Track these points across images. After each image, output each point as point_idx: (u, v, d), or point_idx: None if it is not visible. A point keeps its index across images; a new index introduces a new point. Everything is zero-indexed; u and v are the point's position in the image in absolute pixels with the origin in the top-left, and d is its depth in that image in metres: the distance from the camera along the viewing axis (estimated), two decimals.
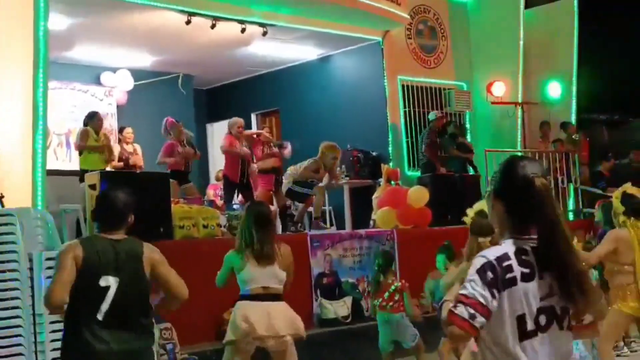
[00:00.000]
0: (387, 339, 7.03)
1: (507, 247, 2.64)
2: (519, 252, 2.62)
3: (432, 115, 13.15)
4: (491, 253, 2.63)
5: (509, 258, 2.60)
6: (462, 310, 2.55)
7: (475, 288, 2.56)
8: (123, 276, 4.12)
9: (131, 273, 4.16)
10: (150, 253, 4.27)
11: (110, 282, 4.08)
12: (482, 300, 2.54)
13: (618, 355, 7.92)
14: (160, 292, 4.40)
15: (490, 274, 2.57)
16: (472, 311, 2.53)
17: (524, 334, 2.59)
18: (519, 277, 2.59)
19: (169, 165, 10.88)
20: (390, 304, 7.03)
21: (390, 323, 7.06)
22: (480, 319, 2.54)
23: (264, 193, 11.29)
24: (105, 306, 4.05)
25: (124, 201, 4.29)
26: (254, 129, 15.20)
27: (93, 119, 10.51)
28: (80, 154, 10.50)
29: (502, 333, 2.60)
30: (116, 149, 11.47)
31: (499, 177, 2.75)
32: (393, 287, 7.09)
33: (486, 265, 2.59)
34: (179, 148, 11.04)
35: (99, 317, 4.05)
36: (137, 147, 11.81)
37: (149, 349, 4.31)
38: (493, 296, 2.56)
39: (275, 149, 11.71)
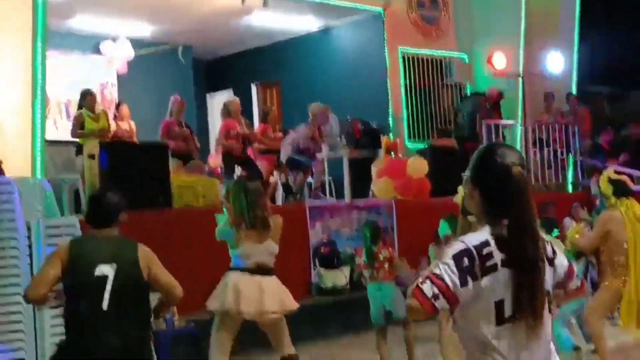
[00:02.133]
0: (379, 309, 7.03)
1: (487, 233, 2.61)
2: (499, 238, 2.59)
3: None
4: (470, 240, 2.60)
5: (488, 244, 2.58)
6: (427, 288, 2.51)
7: (447, 271, 2.52)
8: (119, 265, 4.13)
9: (126, 262, 4.17)
10: (144, 252, 4.28)
11: (106, 271, 4.09)
12: (450, 284, 2.51)
13: (613, 326, 7.96)
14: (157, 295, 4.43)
15: (466, 261, 2.54)
16: (436, 291, 2.50)
17: (501, 320, 2.58)
18: (499, 263, 2.57)
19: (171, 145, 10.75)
20: (381, 272, 7.05)
21: (381, 291, 7.05)
22: (442, 302, 2.51)
23: (266, 168, 11.31)
24: (107, 295, 4.07)
25: (115, 201, 4.33)
26: (255, 100, 15.22)
27: (85, 98, 10.44)
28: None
29: (479, 319, 2.59)
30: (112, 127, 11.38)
31: (477, 164, 2.71)
32: (382, 256, 7.10)
33: (464, 251, 2.56)
34: (175, 128, 10.93)
35: (104, 306, 4.06)
36: (133, 124, 11.74)
37: (147, 339, 4.33)
38: (464, 284, 2.52)
39: (280, 133, 11.74)
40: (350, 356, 7.71)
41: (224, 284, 5.70)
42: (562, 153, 13.52)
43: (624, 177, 6.78)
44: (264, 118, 12.05)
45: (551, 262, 2.71)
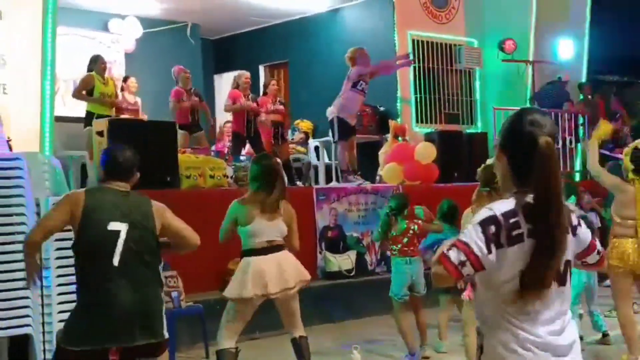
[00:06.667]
0: (405, 285, 6.95)
1: (514, 202, 2.59)
2: (526, 207, 2.57)
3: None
4: (498, 207, 2.59)
5: (516, 214, 2.56)
6: (454, 255, 2.51)
7: (474, 238, 2.53)
8: (132, 222, 4.15)
9: (140, 220, 4.20)
10: (158, 207, 4.32)
11: (119, 227, 4.11)
12: (477, 251, 2.51)
13: (607, 317, 7.90)
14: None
15: (492, 228, 2.53)
16: (463, 258, 2.51)
17: (522, 289, 2.56)
18: (526, 234, 2.56)
19: (177, 118, 10.82)
20: (412, 248, 6.95)
21: (411, 265, 6.93)
22: (469, 269, 2.52)
23: (266, 145, 11.28)
24: (118, 251, 4.08)
25: (131, 155, 4.37)
26: (262, 81, 15.15)
27: (96, 63, 10.41)
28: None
29: (501, 287, 2.59)
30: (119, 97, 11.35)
31: (506, 129, 2.70)
32: (412, 231, 6.98)
33: (491, 218, 2.55)
34: (184, 96, 11.00)
35: (115, 262, 4.08)
36: (139, 100, 11.71)
37: (159, 302, 4.32)
38: (489, 251, 2.52)
39: (281, 106, 11.65)
40: (355, 339, 7.71)
41: (243, 271, 5.65)
42: (570, 142, 13.47)
43: None
44: (263, 91, 11.91)
45: (574, 230, 2.69)
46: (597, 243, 2.81)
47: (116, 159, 4.33)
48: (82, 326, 4.13)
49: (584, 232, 2.75)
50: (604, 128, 6.83)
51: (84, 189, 4.45)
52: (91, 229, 4.11)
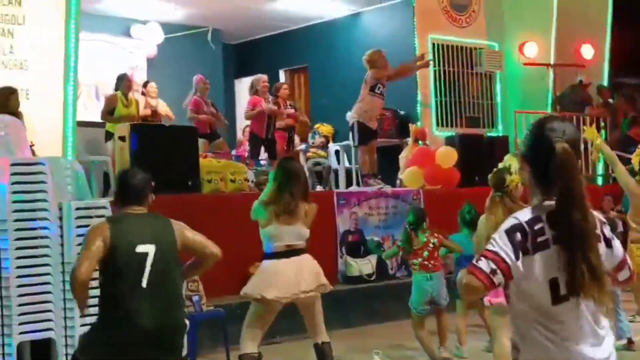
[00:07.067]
0: (425, 300, 6.92)
1: (539, 209, 2.61)
2: (550, 214, 2.58)
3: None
4: (523, 215, 2.61)
5: (540, 220, 2.58)
6: (483, 264, 2.54)
7: (501, 246, 2.55)
8: (159, 243, 4.18)
9: (166, 240, 4.23)
10: (178, 226, 4.35)
11: (147, 249, 4.14)
12: (506, 259, 2.53)
13: (631, 321, 7.80)
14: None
15: (518, 236, 2.56)
16: (494, 267, 2.53)
17: (557, 298, 2.56)
18: (551, 240, 2.56)
19: (195, 123, 10.83)
20: (432, 262, 6.91)
21: (432, 281, 6.91)
22: (500, 277, 2.53)
23: (279, 146, 11.29)
24: (147, 272, 4.11)
25: (143, 178, 4.36)
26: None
27: (122, 81, 10.49)
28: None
29: (533, 296, 2.58)
30: (141, 102, 11.37)
31: (527, 138, 2.73)
32: (432, 245, 6.94)
33: (516, 226, 2.58)
34: (204, 107, 11.04)
35: (144, 284, 4.10)
36: (161, 102, 11.75)
37: (183, 322, 4.36)
38: (517, 258, 2.54)
39: (292, 110, 11.65)
40: (376, 344, 7.69)
41: (261, 273, 5.68)
42: (592, 145, 13.34)
43: None
44: (274, 95, 11.90)
45: (609, 243, 2.68)
46: (628, 258, 2.79)
47: (128, 184, 4.34)
48: (100, 341, 4.16)
49: (618, 247, 2.73)
50: (589, 136, 6.78)
51: (105, 219, 4.50)
52: (121, 254, 4.12)
